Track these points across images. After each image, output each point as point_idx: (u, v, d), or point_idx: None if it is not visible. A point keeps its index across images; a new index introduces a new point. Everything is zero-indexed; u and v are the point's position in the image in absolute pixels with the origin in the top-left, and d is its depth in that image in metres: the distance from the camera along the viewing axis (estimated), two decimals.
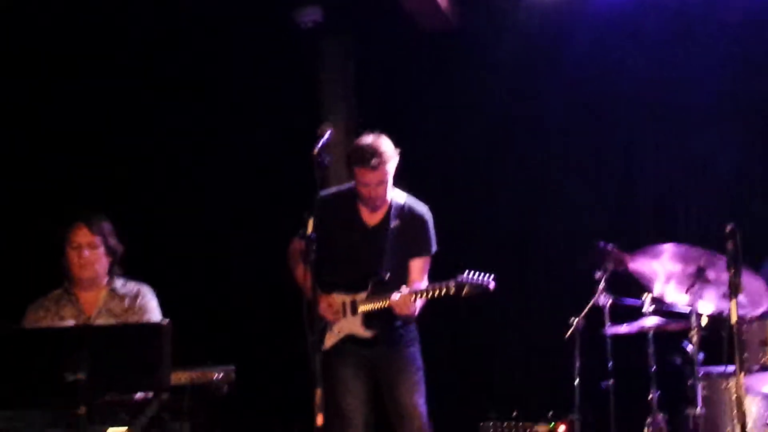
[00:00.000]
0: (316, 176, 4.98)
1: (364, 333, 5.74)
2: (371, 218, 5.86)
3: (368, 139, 5.68)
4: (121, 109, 7.53)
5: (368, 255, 5.79)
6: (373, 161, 5.60)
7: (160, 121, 7.57)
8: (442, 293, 5.55)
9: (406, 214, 5.85)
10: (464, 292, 5.51)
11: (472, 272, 5.50)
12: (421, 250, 5.86)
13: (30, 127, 7.36)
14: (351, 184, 5.80)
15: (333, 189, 5.90)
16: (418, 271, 5.83)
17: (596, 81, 7.35)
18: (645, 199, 7.40)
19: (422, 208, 5.90)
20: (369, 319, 5.73)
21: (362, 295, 5.74)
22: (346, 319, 5.75)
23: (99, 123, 7.50)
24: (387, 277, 5.75)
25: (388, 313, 5.69)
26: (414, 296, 5.58)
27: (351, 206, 5.82)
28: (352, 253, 5.75)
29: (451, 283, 5.53)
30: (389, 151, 5.69)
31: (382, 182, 5.70)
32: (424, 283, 5.71)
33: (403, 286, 5.63)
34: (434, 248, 5.88)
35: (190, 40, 7.48)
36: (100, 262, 5.33)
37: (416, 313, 5.69)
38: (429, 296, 5.58)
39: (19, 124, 7.33)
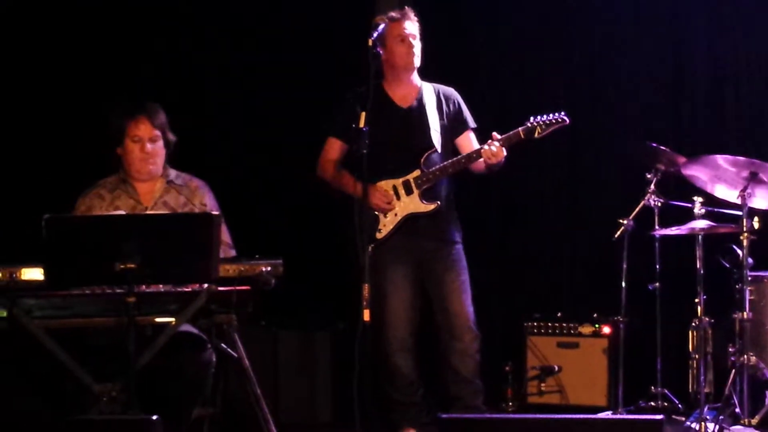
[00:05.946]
0: (370, 67, 5.01)
1: (426, 207, 5.72)
2: (404, 100, 5.84)
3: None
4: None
5: (410, 134, 5.77)
6: (408, 10, 5.66)
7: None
8: (515, 140, 5.61)
9: (438, 92, 5.87)
10: (536, 133, 5.61)
11: (541, 115, 5.61)
12: (464, 124, 5.89)
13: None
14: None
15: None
16: (470, 143, 5.86)
17: None
18: (700, 106, 7.15)
19: (450, 88, 5.93)
20: (427, 193, 5.72)
21: (415, 173, 5.72)
22: (401, 201, 5.73)
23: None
24: (437, 151, 5.75)
25: (444, 186, 5.77)
26: (502, 142, 5.60)
27: (379, 94, 5.75)
28: (392, 135, 5.69)
29: (521, 129, 5.62)
30: None
31: (417, 37, 5.70)
32: None
33: (494, 133, 5.64)
34: (474, 123, 5.92)
35: None
36: (160, 155, 5.30)
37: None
38: (508, 143, 5.61)
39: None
